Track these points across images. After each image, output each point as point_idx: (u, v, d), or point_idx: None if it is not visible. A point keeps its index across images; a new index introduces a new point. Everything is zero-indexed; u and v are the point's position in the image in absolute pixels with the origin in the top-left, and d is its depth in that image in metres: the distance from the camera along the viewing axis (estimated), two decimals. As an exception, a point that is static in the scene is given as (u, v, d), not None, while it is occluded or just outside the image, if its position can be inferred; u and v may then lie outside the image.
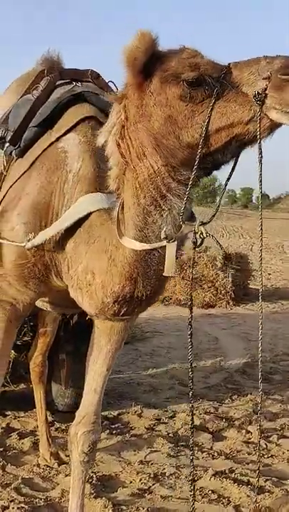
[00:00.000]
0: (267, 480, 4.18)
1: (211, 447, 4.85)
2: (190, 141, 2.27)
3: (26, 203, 3.00)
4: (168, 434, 5.14)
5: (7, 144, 3.28)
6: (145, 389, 6.47)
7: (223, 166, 2.45)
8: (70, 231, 2.83)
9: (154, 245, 2.46)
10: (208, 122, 2.22)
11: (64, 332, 5.41)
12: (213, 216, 2.45)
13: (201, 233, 2.40)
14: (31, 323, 5.28)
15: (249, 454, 4.75)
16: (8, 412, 5.51)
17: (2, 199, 3.17)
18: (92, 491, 3.99)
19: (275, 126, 2.23)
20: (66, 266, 2.91)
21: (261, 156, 2.24)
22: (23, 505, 3.81)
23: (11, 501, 3.85)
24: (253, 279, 13.98)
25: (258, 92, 2.12)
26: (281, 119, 2.14)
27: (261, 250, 2.52)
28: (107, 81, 3.57)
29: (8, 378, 5.68)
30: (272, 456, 4.71)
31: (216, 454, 4.72)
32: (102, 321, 3.24)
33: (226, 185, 2.52)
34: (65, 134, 3.09)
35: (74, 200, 2.88)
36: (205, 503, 3.88)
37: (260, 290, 2.63)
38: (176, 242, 2.42)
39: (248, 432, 5.20)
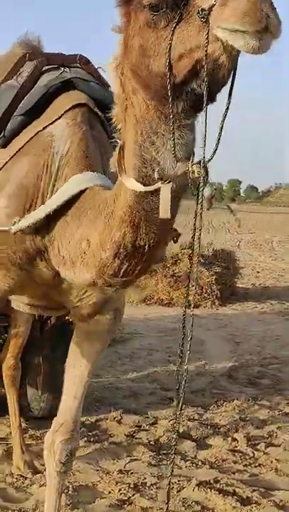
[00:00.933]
0: (254, 491, 4.20)
1: (195, 456, 4.87)
2: (158, 71, 2.21)
3: (11, 188, 3.01)
4: (149, 441, 5.15)
5: None
6: (125, 394, 6.48)
7: (213, 99, 2.28)
8: (60, 211, 2.82)
9: (149, 188, 2.40)
10: (170, 48, 2.15)
11: (40, 334, 5.42)
12: (214, 152, 2.31)
13: (199, 173, 2.33)
14: (5, 324, 5.27)
15: (235, 462, 4.76)
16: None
17: None
18: (69, 502, 4.00)
19: (231, 51, 2.06)
20: (56, 248, 2.90)
21: (207, 91, 2.13)
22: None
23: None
24: (240, 278, 14.03)
25: (201, 9, 2.00)
26: (228, 38, 1.98)
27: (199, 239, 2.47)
28: (96, 67, 3.55)
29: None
30: (259, 465, 4.74)
31: (200, 463, 4.74)
32: (85, 323, 3.28)
33: (223, 118, 2.40)
34: (53, 122, 3.08)
35: (63, 181, 2.88)
36: (188, 515, 3.91)
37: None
38: (170, 184, 2.36)
39: (234, 439, 5.22)
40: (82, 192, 2.82)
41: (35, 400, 5.43)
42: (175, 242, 2.73)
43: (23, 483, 4.31)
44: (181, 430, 5.34)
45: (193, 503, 4.04)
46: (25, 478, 4.35)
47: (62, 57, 3.55)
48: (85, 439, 5.13)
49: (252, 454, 4.92)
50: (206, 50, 2.03)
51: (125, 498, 4.13)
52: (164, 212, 2.36)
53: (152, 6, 2.18)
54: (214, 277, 12.20)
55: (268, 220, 45.93)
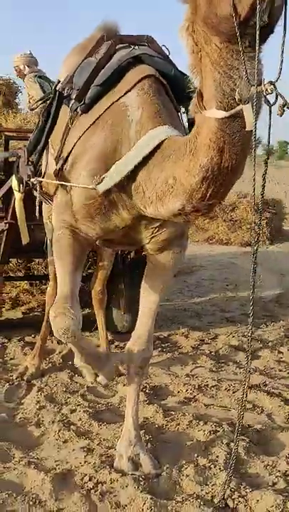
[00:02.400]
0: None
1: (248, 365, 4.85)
2: (225, 14, 2.13)
3: (93, 153, 2.95)
4: (210, 352, 5.17)
5: (72, 101, 3.19)
6: (191, 314, 6.50)
7: (272, 31, 2.24)
8: (142, 163, 2.75)
9: (232, 112, 2.33)
10: None
11: (122, 265, 5.46)
12: (280, 74, 2.25)
13: (271, 90, 2.23)
14: (94, 258, 5.31)
15: (280, 370, 4.73)
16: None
17: (70, 152, 3.12)
18: (146, 399, 4.05)
19: None
20: (141, 192, 2.83)
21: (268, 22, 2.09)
22: (88, 409, 3.89)
23: (77, 405, 3.94)
24: (287, 222, 13.78)
25: None
26: None
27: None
28: (160, 45, 3.46)
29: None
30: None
31: (252, 370, 4.71)
32: (157, 256, 3.25)
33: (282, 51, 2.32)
34: (126, 93, 3.01)
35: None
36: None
37: None
38: (249, 103, 2.29)
39: (279, 352, 5.19)
40: (160, 144, 2.74)
41: (119, 318, 5.49)
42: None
43: (110, 383, 4.34)
44: (236, 344, 5.35)
45: (246, 402, 4.04)
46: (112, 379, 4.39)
47: (133, 37, 3.46)
48: (159, 349, 5.18)
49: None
50: None
51: (191, 396, 4.17)
52: (249, 125, 2.32)
53: None
54: (265, 221, 11.97)
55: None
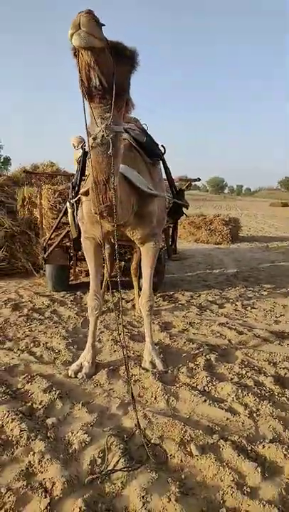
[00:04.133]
0: (244, 327, 4.14)
1: (218, 311, 4.82)
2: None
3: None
4: (197, 304, 5.11)
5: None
6: (185, 282, 6.45)
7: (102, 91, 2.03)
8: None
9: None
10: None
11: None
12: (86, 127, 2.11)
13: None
14: (130, 249, 5.30)
15: (236, 315, 4.67)
16: (122, 290, 5.62)
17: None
18: (159, 328, 4.06)
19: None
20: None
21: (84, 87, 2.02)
22: (127, 333, 3.91)
23: (120, 334, 3.96)
24: (241, 231, 13.63)
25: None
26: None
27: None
28: (142, 123, 3.43)
29: (121, 275, 5.79)
30: (247, 316, 4.62)
31: (219, 314, 4.70)
32: (141, 247, 3.14)
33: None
34: None
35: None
36: (211, 338, 3.90)
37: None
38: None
39: (236, 305, 5.12)
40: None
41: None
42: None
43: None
44: (211, 299, 5.33)
45: (216, 332, 4.04)
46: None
47: (126, 118, 3.47)
48: (167, 301, 5.16)
49: (244, 312, 4.82)
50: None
51: (185, 328, 4.13)
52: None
53: None
54: (229, 230, 11.88)
55: (256, 205, 44.02)
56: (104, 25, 1.79)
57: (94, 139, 2.14)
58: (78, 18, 1.71)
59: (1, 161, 46.84)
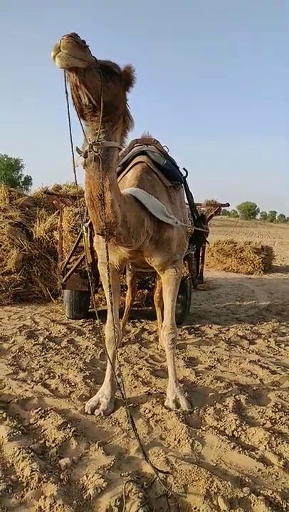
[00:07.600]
0: (278, 366, 4.04)
1: (248, 348, 4.72)
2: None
3: None
4: (225, 338, 5.04)
5: None
6: (213, 314, 6.37)
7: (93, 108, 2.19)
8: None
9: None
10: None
11: None
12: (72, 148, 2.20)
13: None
14: (152, 277, 5.30)
15: (268, 352, 4.56)
16: (143, 321, 5.61)
17: None
18: (184, 364, 4.00)
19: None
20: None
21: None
22: (149, 368, 3.85)
23: (143, 366, 3.92)
24: (275, 260, 13.46)
25: None
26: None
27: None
28: (162, 145, 3.54)
29: (143, 304, 5.78)
30: (281, 355, 4.51)
31: (250, 351, 4.60)
32: (162, 275, 3.16)
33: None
34: (128, 171, 3.11)
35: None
36: (243, 377, 3.81)
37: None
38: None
39: (268, 341, 5.01)
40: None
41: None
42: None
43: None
44: (241, 334, 5.23)
45: (246, 371, 3.93)
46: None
47: (146, 139, 3.54)
48: (193, 335, 5.11)
49: (277, 349, 4.70)
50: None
51: (212, 365, 4.05)
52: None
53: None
54: (261, 258, 11.76)
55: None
56: (87, 46, 1.98)
57: (85, 156, 2.26)
58: (59, 41, 1.89)
59: (22, 180, 48.57)
